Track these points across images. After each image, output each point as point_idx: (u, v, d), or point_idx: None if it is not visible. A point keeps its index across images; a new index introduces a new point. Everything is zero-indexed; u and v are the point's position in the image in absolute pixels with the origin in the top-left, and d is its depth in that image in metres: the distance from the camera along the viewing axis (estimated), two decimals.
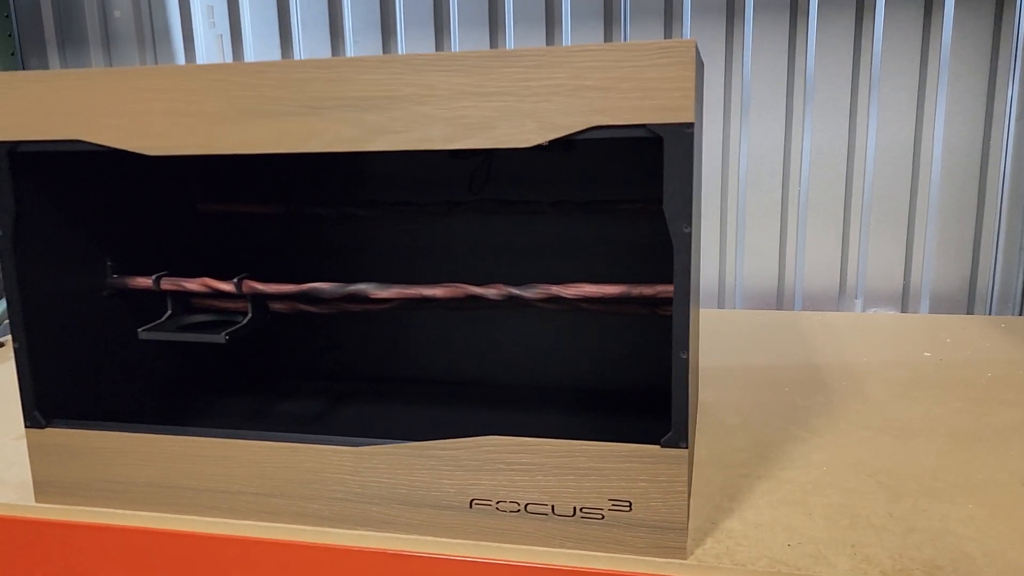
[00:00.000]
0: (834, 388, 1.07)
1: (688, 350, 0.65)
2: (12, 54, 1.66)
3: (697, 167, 0.67)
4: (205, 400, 1.03)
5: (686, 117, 0.61)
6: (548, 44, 1.51)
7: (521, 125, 0.64)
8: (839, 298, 1.53)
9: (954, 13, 1.40)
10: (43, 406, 0.80)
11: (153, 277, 0.88)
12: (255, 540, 0.76)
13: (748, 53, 1.46)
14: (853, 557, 0.68)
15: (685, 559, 0.68)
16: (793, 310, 1.53)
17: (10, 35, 1.65)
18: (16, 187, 0.76)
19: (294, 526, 0.76)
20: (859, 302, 1.52)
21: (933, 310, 1.50)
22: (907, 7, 1.41)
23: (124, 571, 0.79)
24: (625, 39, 1.48)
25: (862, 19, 1.43)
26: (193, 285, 0.87)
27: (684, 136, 0.62)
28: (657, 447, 0.67)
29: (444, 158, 1.02)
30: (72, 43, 1.69)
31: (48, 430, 0.80)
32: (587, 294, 0.78)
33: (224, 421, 0.97)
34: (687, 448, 0.67)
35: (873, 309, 1.52)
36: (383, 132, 0.66)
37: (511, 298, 0.80)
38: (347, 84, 0.66)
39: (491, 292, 0.80)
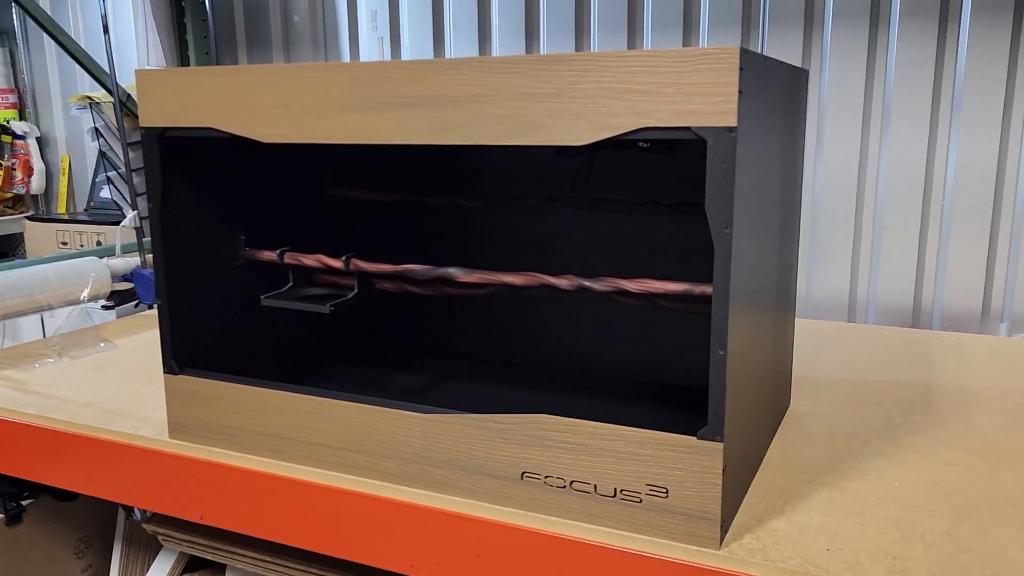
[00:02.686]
0: (940, 409, 1.03)
1: (726, 348, 0.67)
2: (207, 53, 1.88)
3: (749, 170, 0.69)
4: (329, 367, 1.14)
5: (728, 121, 0.64)
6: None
7: (574, 124, 0.68)
8: (982, 321, 1.44)
9: None
10: (178, 356, 0.93)
11: (278, 251, 0.99)
12: (336, 489, 0.85)
13: (892, 60, 1.41)
14: (890, 569, 0.68)
15: (718, 550, 0.70)
16: (930, 329, 1.46)
17: (206, 36, 1.87)
18: (164, 167, 0.89)
19: (370, 480, 0.85)
20: (1005, 326, 1.43)
21: None
22: None
23: (229, 504, 0.91)
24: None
25: (1021, 23, 1.34)
26: (309, 260, 0.98)
27: (726, 139, 0.64)
28: (693, 438, 0.69)
29: (551, 156, 1.08)
30: (258, 44, 1.89)
31: (180, 376, 0.93)
32: (651, 289, 0.81)
33: (340, 386, 1.07)
34: (721, 442, 0.69)
35: (1021, 335, 1.42)
36: (449, 128, 0.73)
37: (581, 289, 0.84)
38: (419, 84, 0.73)
39: (563, 282, 0.85)
